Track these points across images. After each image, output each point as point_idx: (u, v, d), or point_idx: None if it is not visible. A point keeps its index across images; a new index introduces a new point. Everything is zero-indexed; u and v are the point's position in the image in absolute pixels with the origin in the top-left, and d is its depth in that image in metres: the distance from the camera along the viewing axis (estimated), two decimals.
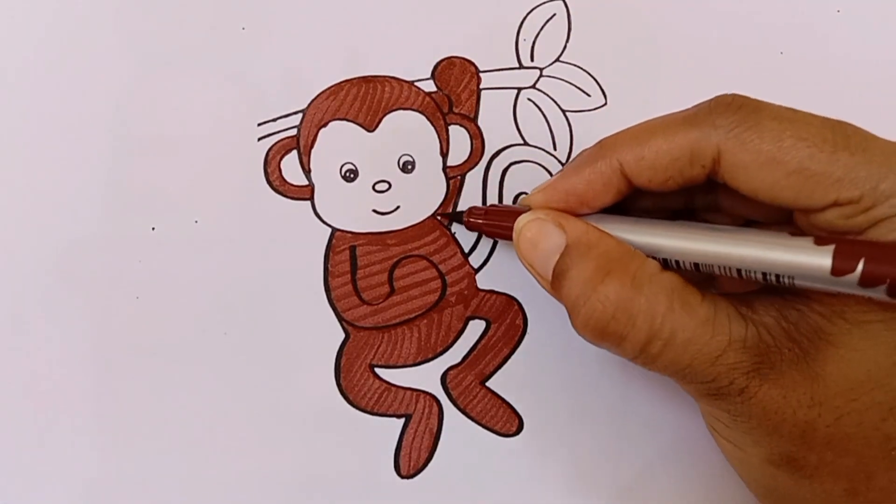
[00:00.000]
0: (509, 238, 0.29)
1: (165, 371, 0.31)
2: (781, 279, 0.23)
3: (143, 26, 0.34)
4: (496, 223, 0.30)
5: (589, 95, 0.33)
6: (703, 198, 0.28)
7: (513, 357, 0.32)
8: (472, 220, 0.30)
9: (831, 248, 0.22)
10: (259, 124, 0.33)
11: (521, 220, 0.27)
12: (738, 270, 0.24)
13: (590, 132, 0.33)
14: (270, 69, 0.33)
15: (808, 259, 0.22)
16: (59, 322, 0.32)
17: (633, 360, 0.25)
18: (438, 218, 0.32)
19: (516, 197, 0.33)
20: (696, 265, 0.24)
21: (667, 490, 0.31)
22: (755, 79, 0.33)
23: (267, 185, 0.32)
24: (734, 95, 0.24)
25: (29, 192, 0.32)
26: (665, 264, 0.25)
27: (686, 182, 0.24)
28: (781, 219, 0.26)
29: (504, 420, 0.32)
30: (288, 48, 0.33)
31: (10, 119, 0.33)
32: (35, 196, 0.32)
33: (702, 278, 0.26)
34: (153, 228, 0.32)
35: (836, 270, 0.22)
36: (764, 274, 0.23)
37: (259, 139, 0.33)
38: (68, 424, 0.31)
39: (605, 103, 0.33)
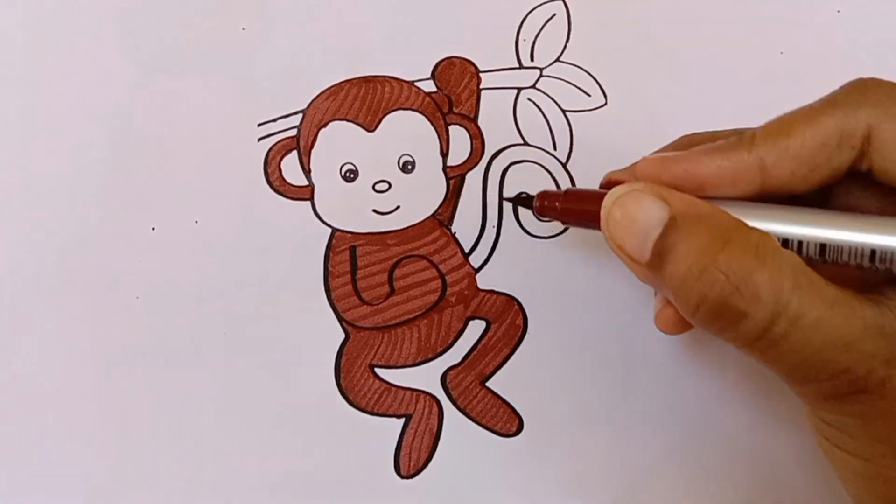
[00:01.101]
0: (591, 225, 0.25)
1: (165, 371, 0.31)
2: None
3: (144, 27, 0.34)
4: (578, 207, 0.26)
5: (589, 95, 0.33)
6: (834, 200, 0.25)
7: (513, 357, 0.32)
8: (546, 203, 0.27)
9: None
10: (259, 124, 0.33)
11: (614, 194, 0.24)
12: (873, 252, 0.22)
13: (590, 132, 0.33)
14: (270, 69, 0.33)
15: None
16: (59, 322, 0.32)
17: (752, 345, 0.22)
18: (507, 198, 0.31)
19: (516, 197, 0.33)
20: (823, 251, 0.22)
21: (667, 490, 0.31)
22: (755, 79, 0.33)
23: (267, 185, 0.33)
24: (869, 77, 0.22)
25: (29, 192, 0.32)
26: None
27: (831, 172, 0.22)
28: None
29: (504, 420, 0.32)
30: (288, 48, 0.33)
31: (10, 119, 0.33)
32: (35, 196, 0.32)
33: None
34: (153, 228, 0.32)
35: None
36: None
37: (259, 139, 0.33)
38: (68, 424, 0.31)
39: (605, 103, 0.33)
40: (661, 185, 0.24)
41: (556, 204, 0.27)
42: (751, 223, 0.22)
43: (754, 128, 0.24)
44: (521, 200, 0.30)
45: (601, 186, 0.27)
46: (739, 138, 0.24)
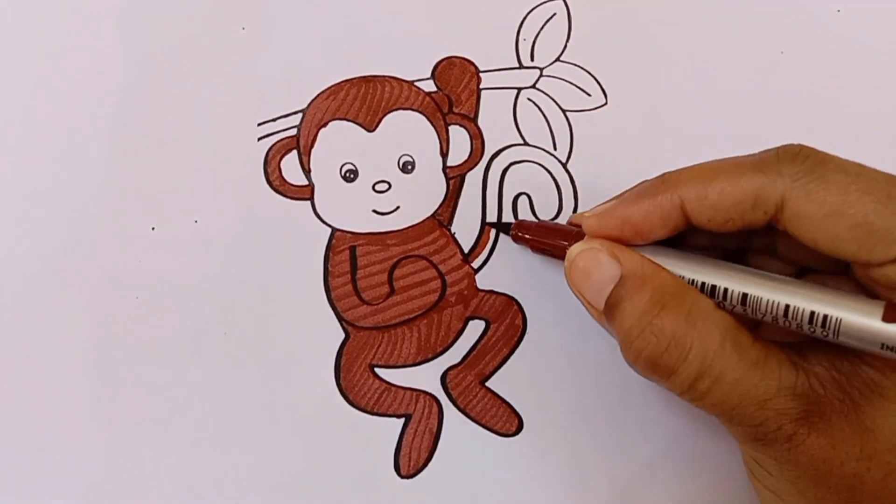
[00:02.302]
0: (556, 256, 0.29)
1: (165, 371, 0.31)
2: (828, 324, 0.23)
3: (143, 26, 0.34)
4: (544, 241, 0.29)
5: (589, 95, 0.33)
6: (760, 240, 0.27)
7: (512, 357, 0.32)
8: (519, 234, 0.30)
9: (882, 303, 0.22)
10: (259, 124, 0.33)
11: (574, 249, 0.27)
12: (786, 307, 0.24)
13: (590, 132, 0.33)
14: (270, 69, 0.33)
15: (859, 303, 0.23)
16: (59, 322, 0.32)
17: (681, 395, 0.24)
18: (488, 223, 0.32)
19: (516, 197, 0.33)
20: (745, 308, 0.24)
21: (667, 490, 0.31)
22: (755, 79, 0.33)
23: (267, 185, 0.33)
24: (801, 146, 0.24)
25: (29, 191, 0.32)
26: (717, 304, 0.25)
27: (745, 226, 0.24)
28: (838, 269, 0.26)
29: (504, 420, 0.32)
30: (288, 48, 0.33)
31: (10, 119, 0.33)
32: (35, 196, 0.32)
33: (750, 325, 0.25)
34: (153, 228, 0.32)
35: (888, 317, 0.22)
36: (811, 316, 0.23)
37: (259, 139, 0.33)
38: (68, 424, 0.31)
39: (606, 103, 0.33)
40: (609, 239, 0.26)
41: (527, 236, 0.30)
42: (685, 275, 0.25)
43: (681, 168, 0.25)
44: (500, 226, 0.32)
45: (568, 223, 0.30)
46: (662, 181, 0.26)
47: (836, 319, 0.23)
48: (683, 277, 0.25)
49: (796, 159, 0.23)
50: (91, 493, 0.31)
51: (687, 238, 0.27)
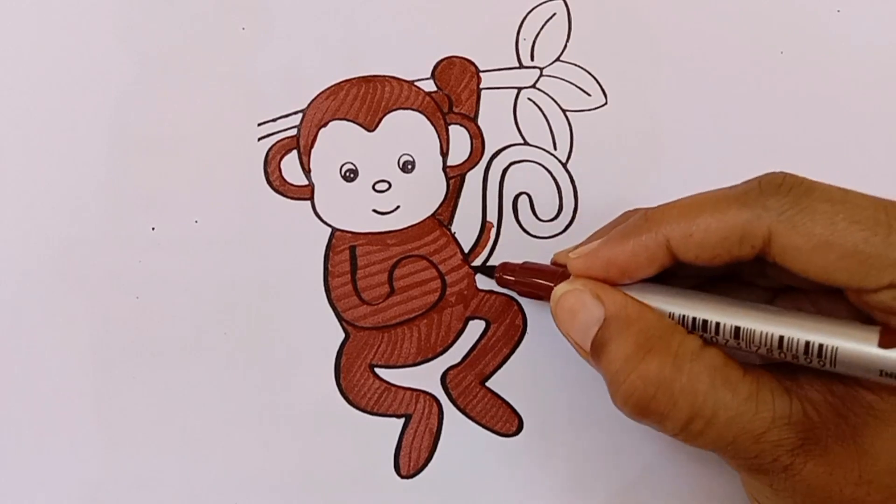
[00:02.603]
0: (541, 298, 0.29)
1: (165, 371, 0.31)
2: (824, 353, 0.23)
3: (143, 26, 0.34)
4: (529, 282, 0.29)
5: (589, 95, 0.33)
6: (750, 267, 0.27)
7: (512, 357, 0.32)
8: (504, 276, 0.30)
9: (878, 328, 0.22)
10: (259, 124, 0.33)
11: (559, 291, 0.27)
12: (780, 338, 0.23)
13: (590, 132, 0.33)
14: (270, 69, 0.33)
15: (854, 329, 0.23)
16: (59, 322, 0.32)
17: (675, 437, 0.24)
18: (472, 266, 0.32)
19: (516, 197, 0.33)
20: (738, 342, 0.24)
21: (667, 490, 0.31)
22: (755, 79, 0.33)
23: (267, 185, 0.33)
24: (784, 175, 0.23)
25: (29, 191, 0.32)
26: (705, 339, 0.25)
27: (733, 260, 0.24)
28: (831, 290, 0.25)
29: (504, 420, 0.32)
30: (288, 48, 0.33)
31: (10, 119, 0.33)
32: (35, 196, 0.32)
33: (743, 355, 0.25)
34: (153, 228, 0.32)
35: (884, 342, 0.22)
36: (806, 346, 0.23)
37: (259, 139, 0.33)
38: (68, 424, 0.31)
39: (606, 103, 0.33)
40: (596, 279, 0.26)
41: (511, 278, 0.30)
42: (673, 311, 0.25)
43: (664, 205, 0.25)
44: (484, 270, 0.32)
45: (552, 263, 0.30)
46: (645, 219, 0.25)
47: (832, 349, 0.22)
48: (673, 314, 0.25)
49: (780, 191, 0.23)
50: (91, 493, 0.31)
51: (675, 267, 0.26)
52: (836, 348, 0.22)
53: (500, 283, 0.31)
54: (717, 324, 0.24)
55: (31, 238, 0.32)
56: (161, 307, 0.32)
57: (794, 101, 0.33)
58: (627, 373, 0.24)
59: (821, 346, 0.23)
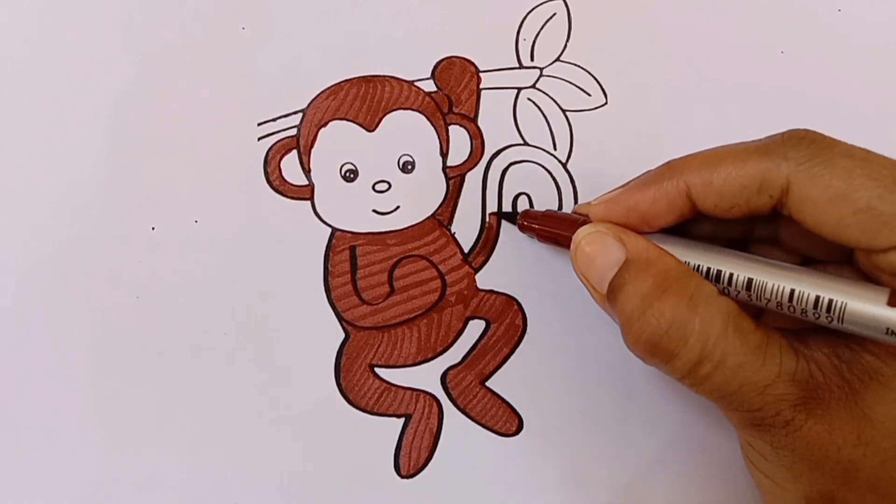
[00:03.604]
0: (562, 245, 0.29)
1: (165, 371, 0.31)
2: (833, 309, 0.23)
3: (143, 26, 0.34)
4: (551, 229, 0.30)
5: (589, 95, 0.33)
6: (763, 228, 0.27)
7: (513, 357, 0.32)
8: (525, 223, 0.31)
9: (887, 289, 0.23)
10: (259, 124, 0.33)
11: (581, 233, 0.27)
12: (791, 292, 0.24)
13: (590, 132, 0.33)
14: (270, 69, 0.33)
15: (864, 289, 0.23)
16: (58, 322, 0.32)
17: (681, 380, 0.25)
18: (490, 216, 0.32)
19: (516, 197, 0.33)
20: (749, 294, 0.25)
21: (667, 490, 0.31)
22: (755, 79, 0.33)
23: (267, 185, 0.33)
24: (807, 130, 0.24)
25: (29, 191, 0.32)
26: (718, 290, 0.25)
27: (751, 211, 0.24)
28: (841, 259, 0.26)
29: (504, 420, 0.32)
30: (288, 48, 0.33)
31: (10, 119, 0.33)
32: (35, 196, 0.32)
33: (754, 312, 0.26)
34: (153, 228, 0.32)
35: (893, 301, 0.22)
36: (816, 301, 0.23)
37: (259, 139, 0.33)
38: (68, 424, 0.31)
39: (606, 103, 0.33)
40: (616, 224, 0.27)
41: (534, 225, 0.30)
42: (689, 261, 0.25)
43: (686, 155, 0.26)
44: (507, 216, 0.32)
45: (574, 212, 0.30)
46: (667, 167, 0.26)
47: (841, 304, 0.23)
48: (689, 263, 0.25)
49: (802, 143, 0.23)
50: (91, 493, 0.31)
51: (691, 228, 0.27)
52: (846, 304, 0.23)
53: (523, 229, 0.31)
54: (731, 275, 0.25)
55: (31, 238, 0.32)
56: (161, 307, 0.32)
57: (795, 100, 0.33)
58: (643, 310, 0.24)
59: (830, 301, 0.23)
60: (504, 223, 0.32)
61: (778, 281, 0.24)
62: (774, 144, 0.24)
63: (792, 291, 0.24)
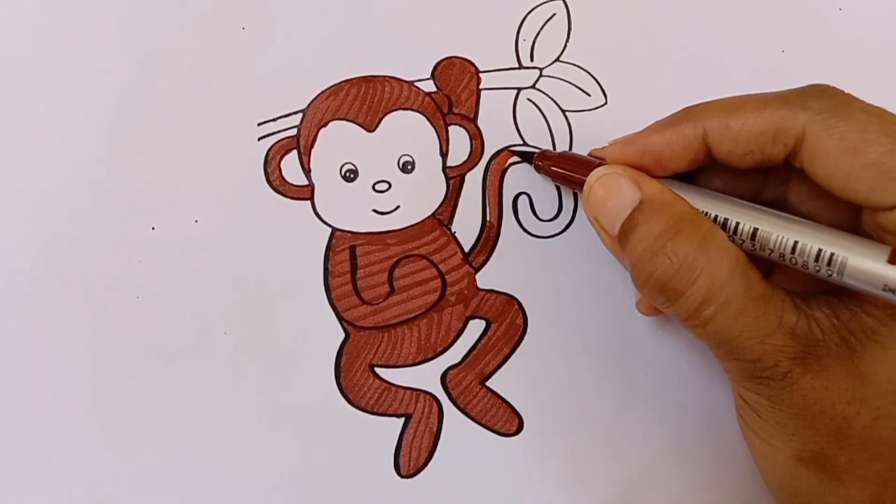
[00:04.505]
0: (575, 186, 0.29)
1: (165, 371, 0.31)
2: (833, 262, 0.23)
3: (144, 26, 0.34)
4: (565, 170, 0.30)
5: (589, 95, 0.33)
6: (772, 189, 0.28)
7: (513, 357, 0.32)
8: (541, 163, 0.31)
9: (889, 247, 0.23)
10: (259, 124, 0.33)
11: (596, 174, 0.27)
12: (794, 244, 0.24)
13: (590, 132, 0.33)
14: (270, 69, 0.33)
15: (866, 245, 0.23)
16: (58, 322, 0.32)
17: (684, 321, 0.25)
18: (507, 151, 0.33)
19: (516, 197, 0.33)
20: (754, 244, 0.25)
21: (667, 490, 0.31)
22: (756, 78, 0.33)
23: (267, 185, 0.33)
24: (827, 85, 0.24)
25: (29, 191, 0.32)
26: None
27: (764, 160, 0.25)
28: (848, 222, 0.26)
29: (504, 420, 0.32)
30: (288, 48, 0.33)
31: (10, 119, 0.33)
32: (35, 196, 0.32)
33: (763, 271, 0.26)
34: (153, 228, 0.32)
35: (894, 259, 0.22)
36: (818, 254, 0.24)
37: (259, 139, 0.33)
38: (68, 424, 0.31)
39: (605, 103, 0.33)
40: (630, 166, 0.27)
41: (550, 165, 0.30)
42: (700, 209, 0.26)
43: (705, 101, 0.26)
44: (523, 155, 0.32)
45: (590, 154, 0.30)
46: (686, 111, 0.26)
47: (843, 258, 0.23)
48: (698, 210, 0.26)
49: (821, 96, 0.24)
50: (91, 493, 0.31)
51: (701, 181, 0.28)
52: (847, 258, 0.23)
53: (539, 169, 0.31)
54: (737, 224, 0.25)
55: (31, 238, 0.32)
56: (161, 307, 0.32)
57: None
58: (655, 249, 0.24)
59: (832, 254, 0.23)
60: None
61: (782, 232, 0.24)
62: (794, 95, 0.24)
63: (795, 243, 0.24)
